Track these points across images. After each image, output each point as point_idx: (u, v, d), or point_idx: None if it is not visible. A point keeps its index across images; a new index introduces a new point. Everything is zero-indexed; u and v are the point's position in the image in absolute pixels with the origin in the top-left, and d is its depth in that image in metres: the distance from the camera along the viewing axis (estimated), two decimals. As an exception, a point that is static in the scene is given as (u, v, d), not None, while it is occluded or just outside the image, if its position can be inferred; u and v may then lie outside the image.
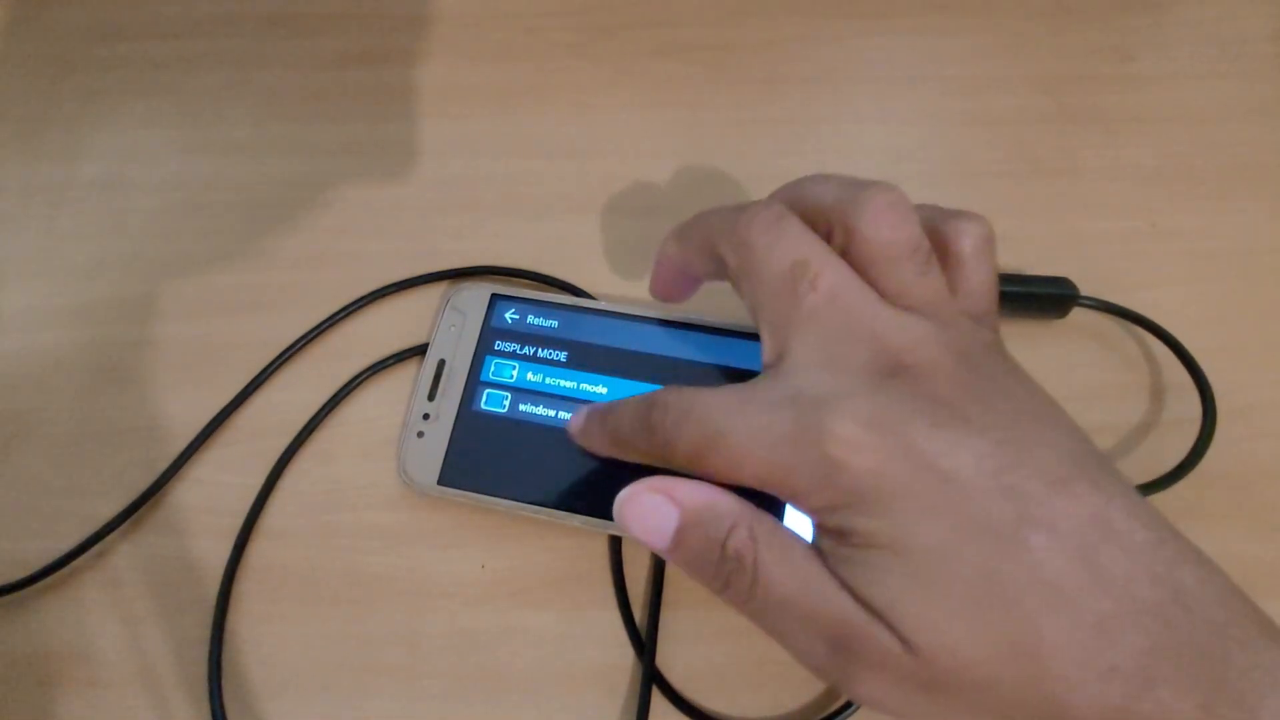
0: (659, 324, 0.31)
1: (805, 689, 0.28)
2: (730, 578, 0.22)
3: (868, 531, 0.21)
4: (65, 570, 0.30)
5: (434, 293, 0.34)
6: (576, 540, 0.30)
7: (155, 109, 0.39)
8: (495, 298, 0.32)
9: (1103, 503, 0.21)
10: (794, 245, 0.23)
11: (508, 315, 0.32)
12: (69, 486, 0.31)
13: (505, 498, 0.29)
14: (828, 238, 0.24)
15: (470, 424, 0.30)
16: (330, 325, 0.34)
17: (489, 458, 0.30)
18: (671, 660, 0.28)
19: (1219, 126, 0.37)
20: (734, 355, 0.30)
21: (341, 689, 0.28)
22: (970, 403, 0.22)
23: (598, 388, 0.31)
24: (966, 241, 0.24)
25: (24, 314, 0.35)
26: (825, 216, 0.24)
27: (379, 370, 0.33)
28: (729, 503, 0.22)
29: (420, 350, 0.33)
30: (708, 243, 0.25)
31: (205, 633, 0.29)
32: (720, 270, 0.25)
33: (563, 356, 0.31)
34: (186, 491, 0.31)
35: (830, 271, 0.23)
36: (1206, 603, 0.20)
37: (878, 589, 0.20)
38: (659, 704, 0.28)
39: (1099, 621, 0.20)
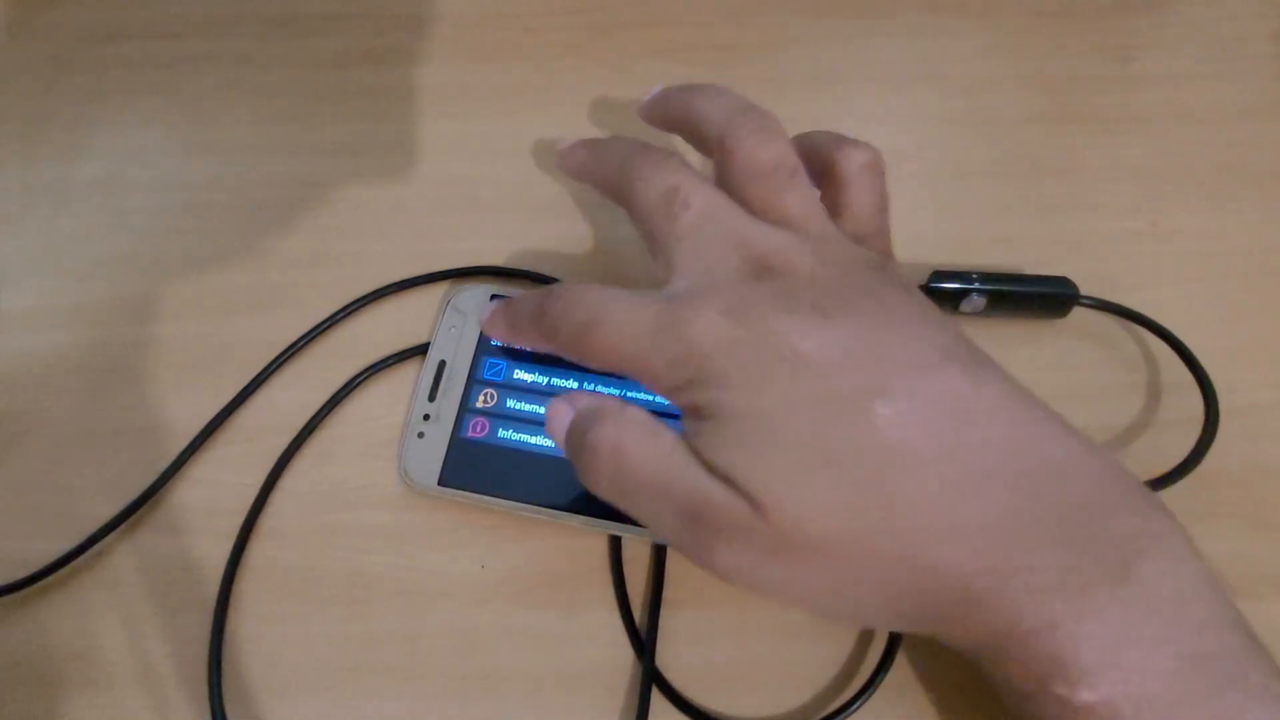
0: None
1: (805, 689, 0.28)
2: (588, 464, 0.23)
3: (716, 403, 0.22)
4: (65, 570, 0.30)
5: (434, 293, 0.34)
6: (576, 540, 0.30)
7: (155, 109, 0.39)
8: (496, 298, 0.32)
9: (970, 385, 0.22)
10: (669, 175, 0.26)
11: (508, 315, 0.32)
12: (69, 486, 0.31)
13: (505, 498, 0.29)
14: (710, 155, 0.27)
15: (471, 424, 0.30)
16: (330, 325, 0.34)
17: (489, 458, 0.30)
18: (671, 660, 0.28)
19: (1219, 126, 0.37)
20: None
21: (341, 689, 0.28)
22: (831, 300, 0.23)
23: (597, 387, 0.31)
24: (850, 165, 0.26)
25: (24, 314, 0.35)
26: (706, 137, 0.27)
27: (379, 370, 0.33)
28: (610, 403, 0.24)
29: (420, 350, 0.33)
30: (609, 176, 0.28)
31: (205, 632, 0.29)
32: (617, 197, 0.28)
33: (563, 356, 0.31)
34: (186, 491, 0.31)
35: (701, 193, 0.25)
36: (1086, 476, 0.21)
37: (724, 454, 0.22)
38: (659, 704, 0.27)
39: (952, 482, 0.21)
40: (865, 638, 0.28)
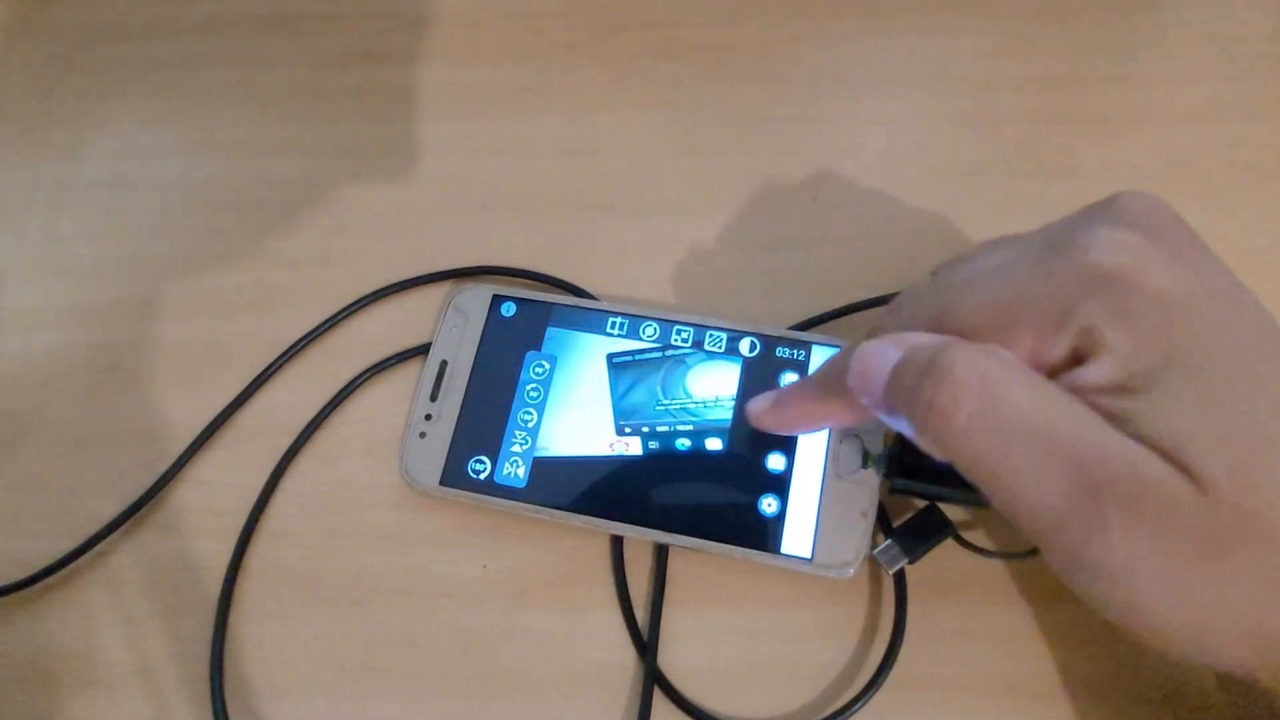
0: (660, 323, 0.31)
1: (807, 689, 0.28)
2: (942, 393, 0.19)
3: (1152, 345, 0.18)
4: (66, 570, 0.30)
5: (435, 293, 0.34)
6: (578, 540, 0.30)
7: (155, 109, 0.39)
8: (497, 298, 0.32)
9: None
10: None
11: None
12: (69, 486, 0.31)
13: (507, 498, 0.29)
14: None
15: (472, 424, 0.30)
16: (331, 325, 0.34)
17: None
18: (673, 660, 0.28)
19: (1219, 126, 0.37)
20: (735, 352, 0.30)
21: (343, 689, 0.28)
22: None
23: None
24: None
25: (24, 314, 0.35)
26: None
27: (380, 370, 0.33)
28: (961, 340, 0.20)
29: (422, 350, 0.33)
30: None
31: (207, 633, 0.29)
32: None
33: (564, 356, 0.31)
34: (187, 491, 0.31)
35: None
36: None
37: (1165, 419, 0.17)
38: (660, 704, 0.28)
39: None
40: (866, 638, 0.28)
